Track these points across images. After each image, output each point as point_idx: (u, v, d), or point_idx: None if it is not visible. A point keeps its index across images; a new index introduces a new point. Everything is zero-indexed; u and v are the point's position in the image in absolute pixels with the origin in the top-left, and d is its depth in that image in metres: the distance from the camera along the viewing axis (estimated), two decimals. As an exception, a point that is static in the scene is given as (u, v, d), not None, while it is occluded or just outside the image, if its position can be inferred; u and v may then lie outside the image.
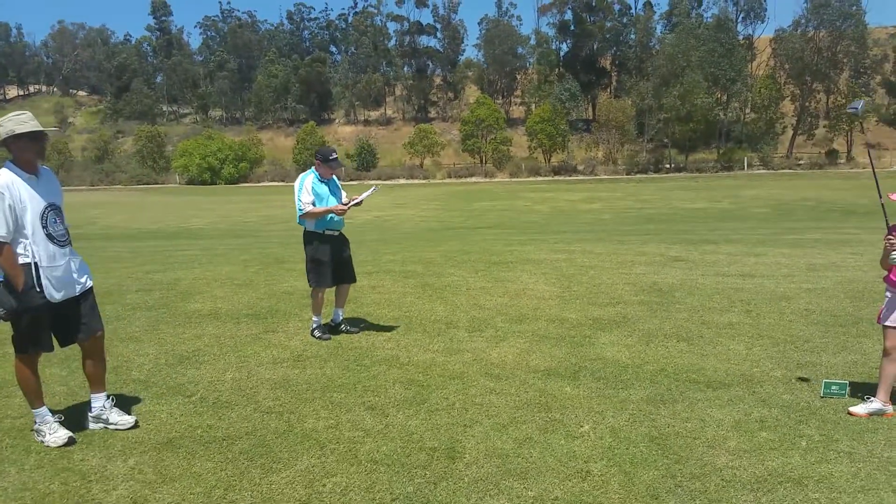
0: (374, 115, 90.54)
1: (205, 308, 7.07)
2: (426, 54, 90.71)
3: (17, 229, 3.58)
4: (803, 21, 63.45)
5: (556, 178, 58.20)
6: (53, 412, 3.92)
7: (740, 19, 76.28)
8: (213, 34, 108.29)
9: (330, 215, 5.78)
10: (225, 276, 9.05)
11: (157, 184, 70.30)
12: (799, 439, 3.67)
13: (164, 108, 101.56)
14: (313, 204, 5.73)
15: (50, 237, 3.70)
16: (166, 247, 15.09)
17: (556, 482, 3.26)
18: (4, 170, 3.63)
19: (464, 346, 5.53)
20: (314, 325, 5.95)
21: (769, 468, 3.36)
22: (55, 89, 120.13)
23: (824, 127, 66.31)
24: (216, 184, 65.66)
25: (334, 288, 6.11)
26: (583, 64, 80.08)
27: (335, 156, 5.92)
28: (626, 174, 58.81)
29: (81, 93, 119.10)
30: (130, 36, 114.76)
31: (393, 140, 78.49)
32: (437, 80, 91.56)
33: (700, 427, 3.87)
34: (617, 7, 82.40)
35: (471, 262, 9.99)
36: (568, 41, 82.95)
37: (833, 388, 4.24)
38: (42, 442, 3.74)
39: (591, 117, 75.90)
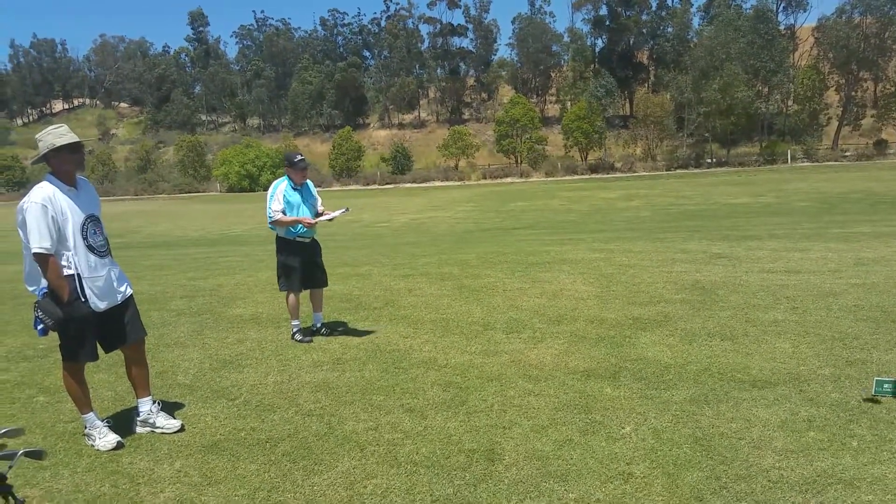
0: (408, 118, 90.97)
1: (246, 313, 7.20)
2: (459, 55, 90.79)
3: (60, 241, 3.69)
4: (848, 7, 61.57)
5: (594, 176, 57.58)
6: (102, 417, 4.03)
7: (781, 9, 74.49)
8: (248, 43, 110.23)
9: (299, 224, 5.89)
10: (265, 281, 9.20)
11: (199, 192, 71.82)
12: (849, 439, 3.57)
13: (204, 118, 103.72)
14: (283, 212, 5.88)
15: (90, 248, 3.80)
16: (209, 253, 15.41)
17: (598, 484, 3.22)
18: (45, 183, 3.75)
19: (501, 347, 5.51)
20: (294, 330, 6.06)
21: (818, 469, 3.27)
22: (98, 102, 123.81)
23: (872, 117, 64.23)
24: (255, 191, 66.75)
25: (308, 293, 6.26)
26: (619, 59, 79.11)
27: (300, 157, 6.11)
28: (666, 170, 57.85)
29: (123, 104, 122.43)
30: (169, 47, 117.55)
31: (427, 143, 78.75)
32: (471, 82, 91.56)
33: (745, 427, 3.79)
34: (653, 0, 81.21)
35: (507, 263, 9.96)
36: (603, 36, 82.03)
37: (885, 386, 4.10)
38: (93, 446, 3.85)
39: (628, 113, 75.00)
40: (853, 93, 63.41)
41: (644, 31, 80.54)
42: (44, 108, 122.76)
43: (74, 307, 3.68)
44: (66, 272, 3.70)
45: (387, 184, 64.67)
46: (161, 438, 3.97)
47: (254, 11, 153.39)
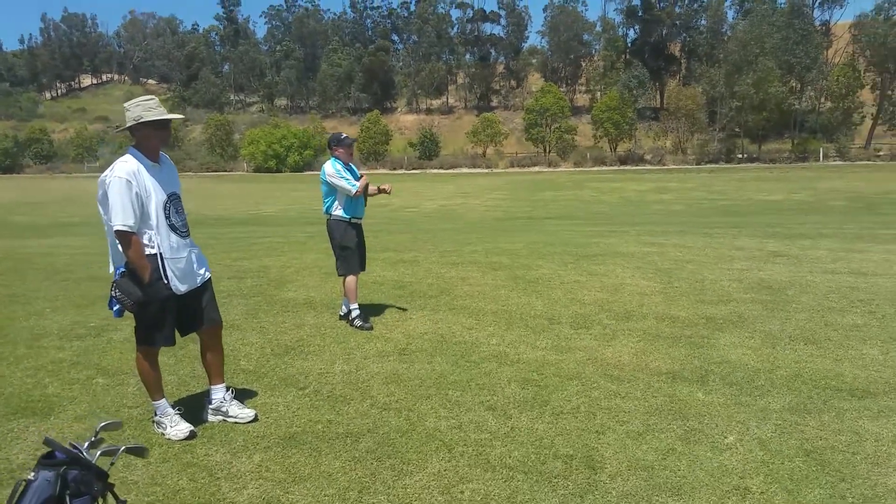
0: (436, 103, 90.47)
1: (299, 297, 7.03)
2: (489, 42, 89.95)
3: (143, 219, 3.52)
4: (887, 5, 59.92)
5: (623, 167, 56.82)
6: (173, 405, 3.86)
7: (817, 5, 72.74)
8: (277, 24, 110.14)
9: (359, 202, 5.98)
10: (312, 263, 9.03)
11: (226, 171, 72.06)
12: (980, 461, 3.30)
13: (232, 97, 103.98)
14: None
15: (172, 227, 3.63)
16: (244, 233, 15.31)
17: (714, 499, 2.99)
18: (129, 157, 3.57)
19: (572, 343, 5.28)
20: (354, 315, 5.87)
21: (955, 494, 3.01)
22: (126, 78, 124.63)
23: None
24: (281, 171, 66.84)
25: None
26: (651, 50, 77.97)
27: (346, 135, 6.09)
28: (696, 164, 56.94)
29: (151, 81, 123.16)
30: (198, 25, 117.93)
31: (454, 129, 78.27)
32: (500, 68, 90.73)
33: (856, 441, 3.53)
34: (688, -8, 79.87)
35: (557, 254, 9.71)
36: (636, 27, 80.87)
37: None
38: (163, 434, 3.68)
39: (658, 105, 73.90)
40: (889, 91, 61.86)
41: (677, 22, 79.19)
42: (72, 83, 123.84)
43: (155, 288, 3.51)
44: (148, 251, 3.52)
45: (413, 169, 64.41)
46: (235, 429, 3.79)
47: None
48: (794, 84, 60.75)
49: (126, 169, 3.47)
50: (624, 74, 67.75)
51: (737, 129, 61.83)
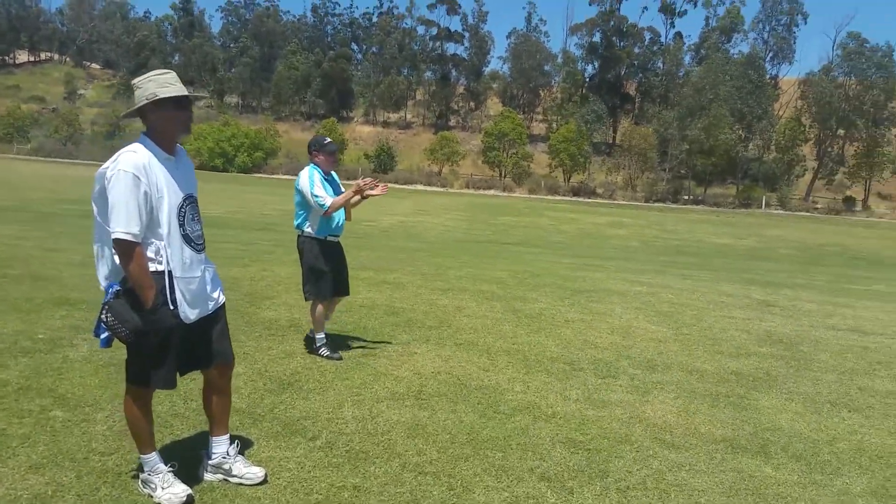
0: (393, 117, 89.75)
1: (281, 317, 6.29)
2: (452, 62, 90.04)
3: (150, 226, 2.79)
4: (835, 66, 62.93)
5: (576, 198, 57.40)
6: (165, 460, 3.09)
7: (768, 59, 75.85)
8: (234, 20, 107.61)
9: (336, 219, 5.14)
10: (286, 278, 8.26)
11: (169, 166, 69.27)
12: None
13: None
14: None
15: (187, 239, 2.90)
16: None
17: None
18: (139, 146, 2.83)
19: (605, 396, 4.74)
20: (319, 344, 5.16)
21: None
22: (67, 59, 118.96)
23: (843, 173, 65.68)
24: (227, 171, 64.74)
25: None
26: (608, 87, 79.52)
27: (329, 139, 5.25)
28: (646, 201, 58.05)
29: (95, 65, 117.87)
30: (150, 13, 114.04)
31: (411, 144, 77.71)
32: (460, 89, 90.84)
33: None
34: (648, 35, 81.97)
35: (547, 286, 9.22)
36: (595, 63, 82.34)
37: None
38: (152, 497, 2.92)
39: (612, 141, 75.30)
40: (829, 148, 64.79)
41: (635, 63, 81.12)
42: (7, 58, 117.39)
43: (159, 315, 2.77)
44: (155, 268, 2.79)
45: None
46: (241, 493, 3.06)
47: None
48: (742, 132, 62.87)
49: (134, 161, 2.73)
50: (583, 108, 68.74)
51: (682, 171, 63.47)
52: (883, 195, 65.14)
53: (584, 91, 79.10)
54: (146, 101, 2.82)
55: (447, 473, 3.39)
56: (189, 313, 2.87)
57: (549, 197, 57.29)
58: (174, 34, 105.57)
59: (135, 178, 2.71)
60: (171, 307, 2.81)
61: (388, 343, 5.69)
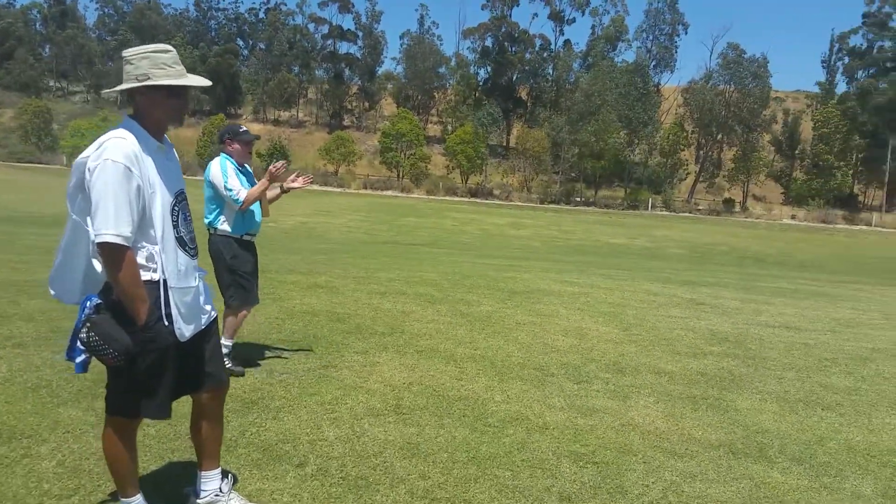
0: (284, 115, 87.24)
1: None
2: (345, 61, 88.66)
3: (142, 228, 2.30)
4: (714, 74, 67.33)
5: (474, 199, 58.02)
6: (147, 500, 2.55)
7: (651, 66, 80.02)
8: (110, 11, 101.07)
9: (254, 214, 4.66)
10: (212, 283, 7.54)
11: (42, 163, 63.85)
12: None
13: (52, 83, 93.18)
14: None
15: (181, 242, 2.44)
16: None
17: None
18: (126, 133, 2.32)
19: (589, 403, 4.53)
20: (226, 351, 4.49)
21: None
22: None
23: (723, 177, 70.45)
24: (107, 170, 60.36)
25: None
26: (501, 91, 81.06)
27: (245, 128, 4.78)
28: (540, 203, 59.61)
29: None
30: (14, 0, 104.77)
31: (304, 143, 75.79)
32: (354, 89, 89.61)
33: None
34: (538, 42, 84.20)
35: (481, 287, 9.01)
36: (487, 67, 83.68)
37: None
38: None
39: (506, 144, 76.81)
40: (710, 153, 69.27)
41: (527, 68, 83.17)
42: None
43: (153, 333, 2.28)
44: (148, 277, 2.29)
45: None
46: (238, 537, 2.58)
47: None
48: (628, 137, 65.97)
49: (125, 150, 2.24)
50: (478, 111, 69.66)
51: (574, 174, 65.82)
52: (758, 197, 70.38)
53: (477, 94, 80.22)
54: (137, 84, 2.30)
55: (461, 499, 3.05)
56: (185, 330, 2.39)
57: (448, 198, 57.60)
58: (44, 23, 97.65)
59: (126, 170, 2.21)
60: (167, 323, 2.30)
61: (345, 352, 5.23)
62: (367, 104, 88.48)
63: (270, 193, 4.70)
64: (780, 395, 5.06)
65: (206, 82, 2.45)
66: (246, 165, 4.72)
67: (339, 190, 57.67)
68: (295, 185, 4.67)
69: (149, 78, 2.29)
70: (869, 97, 67.22)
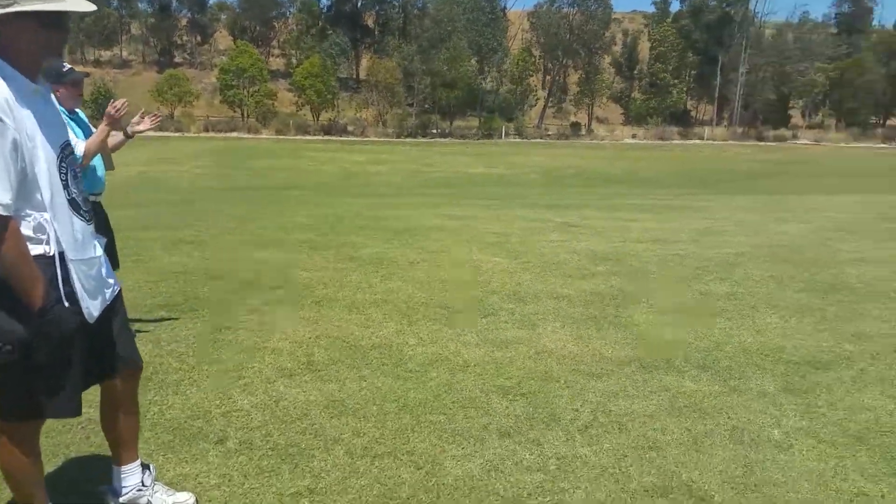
0: (106, 55, 79.01)
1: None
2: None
3: (26, 192, 1.84)
4: (558, -1, 68.77)
5: (328, 137, 56.13)
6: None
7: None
8: None
9: (96, 169, 4.01)
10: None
11: None
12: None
13: None
14: None
15: (74, 205, 2.00)
16: None
17: (858, 520, 2.56)
18: None
19: (501, 335, 4.52)
20: None
21: None
22: None
23: (569, 101, 73.13)
24: None
25: None
26: (346, 20, 78.06)
27: (70, 66, 3.91)
28: (396, 137, 58.94)
29: None
30: None
31: (132, 85, 69.18)
32: (183, 21, 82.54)
33: (886, 413, 3.43)
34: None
35: (363, 228, 8.77)
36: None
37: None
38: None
39: (356, 76, 74.65)
40: (557, 77, 71.34)
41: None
42: None
43: (54, 316, 1.88)
44: (38, 251, 1.86)
45: (85, 130, 55.35)
46: (171, 534, 2.28)
47: None
48: (479, 65, 66.29)
49: None
50: (324, 42, 66.82)
51: (428, 106, 65.53)
52: (601, 119, 73.92)
53: (321, 23, 76.76)
54: (2, 10, 1.77)
55: (403, 451, 2.91)
56: (92, 308, 2.00)
57: (300, 137, 55.40)
58: None
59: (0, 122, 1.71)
60: (68, 304, 1.89)
61: (236, 312, 4.84)
62: (199, 38, 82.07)
63: (112, 141, 3.92)
64: (670, 307, 5.33)
65: (90, 6, 1.92)
66: (78, 111, 3.98)
67: (177, 134, 53.64)
68: (140, 127, 3.88)
69: (15, 2, 1.79)
70: (701, 14, 71.84)
